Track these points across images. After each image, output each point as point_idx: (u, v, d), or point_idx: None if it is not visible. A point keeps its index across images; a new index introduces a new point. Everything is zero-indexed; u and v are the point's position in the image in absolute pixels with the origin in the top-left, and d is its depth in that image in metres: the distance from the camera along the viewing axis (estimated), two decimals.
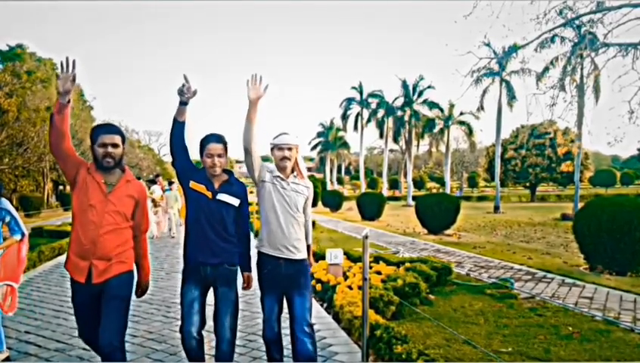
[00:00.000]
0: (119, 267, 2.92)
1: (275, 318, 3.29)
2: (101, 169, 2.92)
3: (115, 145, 2.91)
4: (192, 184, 3.10)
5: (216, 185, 3.13)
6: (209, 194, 3.08)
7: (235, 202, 3.15)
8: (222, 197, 3.10)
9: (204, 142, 3.12)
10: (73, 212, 2.92)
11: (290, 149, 3.26)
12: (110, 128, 2.93)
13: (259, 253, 3.29)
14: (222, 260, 3.08)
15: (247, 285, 3.32)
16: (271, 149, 3.34)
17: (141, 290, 3.24)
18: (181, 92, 3.05)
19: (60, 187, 40.31)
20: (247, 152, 3.17)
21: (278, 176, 3.25)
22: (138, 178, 3.48)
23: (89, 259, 2.84)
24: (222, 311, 3.09)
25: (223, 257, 3.09)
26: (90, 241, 2.83)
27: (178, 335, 3.13)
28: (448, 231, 14.57)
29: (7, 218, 4.13)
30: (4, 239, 4.19)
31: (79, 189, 2.88)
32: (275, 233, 3.20)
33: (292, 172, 3.31)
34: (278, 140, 3.29)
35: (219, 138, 3.13)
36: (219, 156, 3.10)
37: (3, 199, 4.14)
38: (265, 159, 3.36)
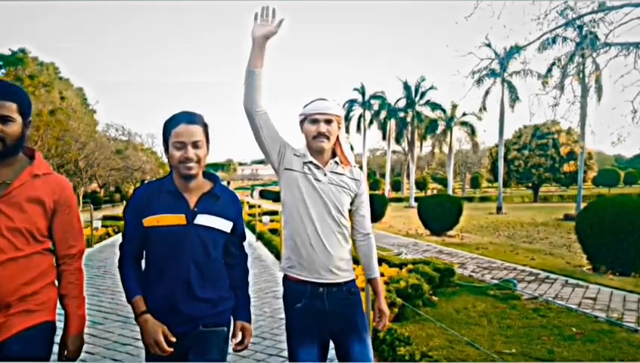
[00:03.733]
0: (25, 319, 1.79)
1: None
2: None
3: (5, 118, 1.75)
4: (147, 221, 1.92)
5: (192, 201, 1.95)
6: (181, 219, 1.90)
7: (225, 226, 2.00)
8: (204, 219, 1.93)
9: (169, 125, 1.93)
10: None
11: (328, 121, 2.21)
12: None
13: (285, 279, 2.27)
14: (196, 324, 1.94)
15: (242, 343, 2.10)
16: (301, 122, 2.29)
17: (70, 351, 1.93)
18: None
19: None
20: (251, 116, 2.17)
21: (311, 162, 2.22)
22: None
23: None
24: None
25: (201, 320, 1.94)
26: None
27: None
28: (450, 232, 14.55)
29: None
30: None
31: None
32: (311, 248, 2.16)
33: (333, 156, 2.28)
34: (311, 107, 2.24)
35: (192, 117, 1.93)
36: (195, 145, 1.90)
37: None
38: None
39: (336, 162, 2.27)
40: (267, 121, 2.19)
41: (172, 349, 1.85)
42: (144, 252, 1.99)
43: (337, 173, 2.25)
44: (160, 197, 1.94)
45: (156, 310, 1.90)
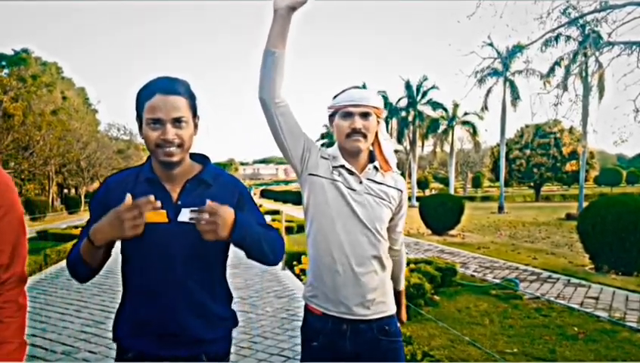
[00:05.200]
0: None
1: None
2: None
3: None
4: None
5: (175, 193, 1.49)
6: (162, 216, 1.34)
7: None
8: (188, 215, 1.36)
9: (143, 95, 1.43)
10: None
11: (365, 115, 1.77)
12: None
13: (306, 309, 1.88)
14: (197, 350, 1.51)
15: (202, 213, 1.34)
16: (331, 117, 1.86)
17: None
18: None
19: (65, 191, 40.56)
20: (268, 109, 1.72)
21: (342, 167, 1.80)
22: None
23: None
24: None
25: (202, 346, 1.51)
26: None
27: None
28: (452, 232, 14.53)
29: None
30: None
31: None
32: (337, 275, 1.75)
33: (370, 161, 1.85)
34: (344, 98, 1.80)
35: (172, 85, 1.43)
36: (177, 122, 1.41)
37: None
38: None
39: (375, 168, 1.83)
40: (287, 115, 1.75)
41: (153, 198, 1.30)
42: (122, 267, 1.55)
43: (375, 181, 1.81)
44: (135, 188, 1.44)
45: (141, 329, 1.49)
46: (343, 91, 1.84)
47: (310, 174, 1.80)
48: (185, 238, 1.44)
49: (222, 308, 1.57)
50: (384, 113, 1.87)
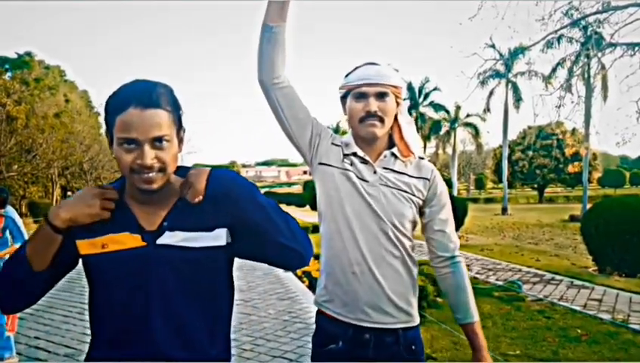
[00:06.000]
0: None
1: None
2: None
3: None
4: (83, 244, 1.17)
5: (159, 217, 1.18)
6: (135, 241, 1.15)
7: (212, 239, 1.18)
8: (170, 237, 1.16)
9: (113, 106, 1.09)
10: None
11: (381, 95, 1.53)
12: None
13: (319, 314, 1.64)
14: None
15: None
16: (342, 99, 1.62)
17: None
18: None
19: (69, 193, 40.67)
20: (268, 92, 1.53)
21: (355, 155, 1.57)
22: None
23: None
24: None
25: None
26: None
27: None
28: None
29: (11, 225, 4.16)
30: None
31: None
32: (354, 277, 1.53)
33: (389, 147, 1.60)
34: (356, 76, 1.56)
35: (149, 96, 1.07)
36: (157, 142, 1.08)
37: (9, 206, 4.18)
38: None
39: (393, 155, 1.58)
40: (290, 96, 1.54)
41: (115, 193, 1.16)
42: (89, 306, 1.25)
43: (393, 171, 1.56)
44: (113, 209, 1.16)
45: None
46: (356, 68, 1.59)
47: (320, 163, 1.59)
48: (168, 263, 1.15)
49: (221, 347, 1.24)
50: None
